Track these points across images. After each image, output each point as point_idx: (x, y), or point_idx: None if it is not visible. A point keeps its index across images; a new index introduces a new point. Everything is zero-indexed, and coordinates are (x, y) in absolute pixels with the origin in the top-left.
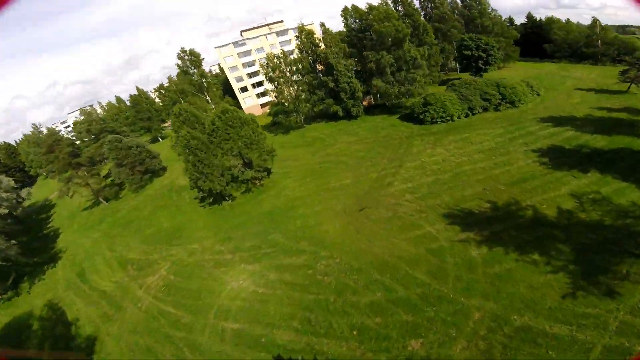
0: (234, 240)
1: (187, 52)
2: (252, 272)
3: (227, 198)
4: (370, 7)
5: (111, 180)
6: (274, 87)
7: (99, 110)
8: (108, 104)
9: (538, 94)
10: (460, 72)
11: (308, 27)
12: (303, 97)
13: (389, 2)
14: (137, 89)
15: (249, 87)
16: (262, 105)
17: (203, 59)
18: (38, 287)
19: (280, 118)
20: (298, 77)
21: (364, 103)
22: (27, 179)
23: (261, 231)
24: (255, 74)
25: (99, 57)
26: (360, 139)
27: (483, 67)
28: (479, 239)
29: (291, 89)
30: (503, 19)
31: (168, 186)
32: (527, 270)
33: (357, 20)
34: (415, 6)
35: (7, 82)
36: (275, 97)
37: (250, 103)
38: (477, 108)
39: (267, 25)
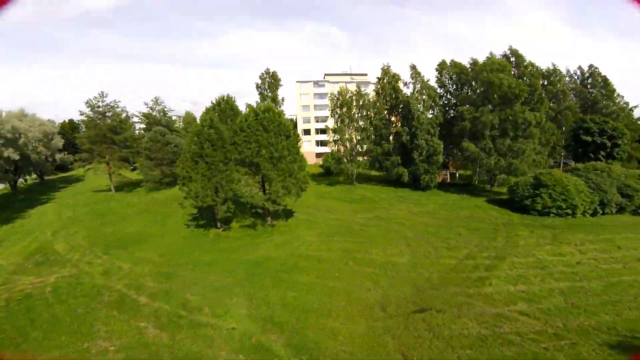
0: (176, 280)
1: (270, 74)
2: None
3: (218, 225)
4: (475, 63)
5: (137, 172)
6: (335, 124)
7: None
8: (186, 113)
9: None
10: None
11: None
12: (366, 146)
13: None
14: None
15: (312, 132)
16: (318, 155)
17: (282, 85)
18: None
19: (330, 162)
20: (367, 122)
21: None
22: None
23: (223, 286)
24: (323, 119)
25: (214, 84)
26: (428, 211)
27: (604, 160)
28: None
29: (354, 133)
30: (630, 107)
31: (177, 195)
32: None
33: (455, 76)
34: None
35: (131, 84)
36: (334, 140)
37: (307, 148)
38: (612, 205)
39: (350, 75)
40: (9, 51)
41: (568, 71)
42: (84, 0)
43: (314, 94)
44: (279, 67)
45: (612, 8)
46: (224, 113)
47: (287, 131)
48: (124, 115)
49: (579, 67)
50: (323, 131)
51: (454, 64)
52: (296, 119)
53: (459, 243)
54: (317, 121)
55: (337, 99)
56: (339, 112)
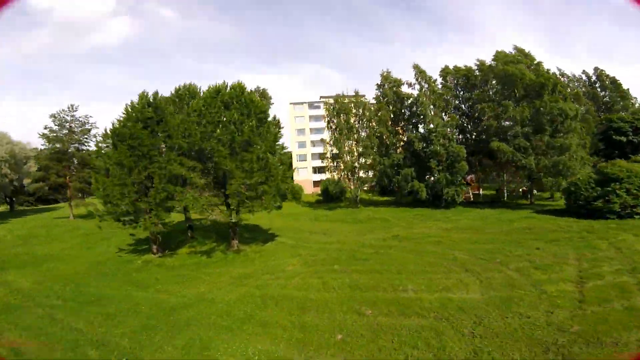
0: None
1: (260, 91)
2: None
3: (154, 249)
4: (482, 63)
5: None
6: (332, 136)
7: None
8: None
9: None
10: None
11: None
12: (370, 159)
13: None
14: None
15: (309, 157)
16: (315, 184)
17: (273, 103)
18: None
19: (327, 182)
20: (371, 131)
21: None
22: None
23: (71, 340)
24: (320, 143)
25: None
26: (467, 227)
27: None
28: None
29: (354, 144)
30: None
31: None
32: None
33: (461, 79)
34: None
35: None
36: (332, 157)
37: (304, 176)
38: None
39: (347, 96)
40: (17, 82)
41: (574, 75)
42: (92, 36)
43: (310, 116)
44: (278, 103)
45: (590, 34)
46: (182, 101)
47: (260, 111)
48: (93, 131)
49: (584, 71)
50: (322, 156)
51: (457, 69)
52: (291, 152)
53: (547, 259)
54: (314, 145)
55: (334, 107)
56: (335, 121)
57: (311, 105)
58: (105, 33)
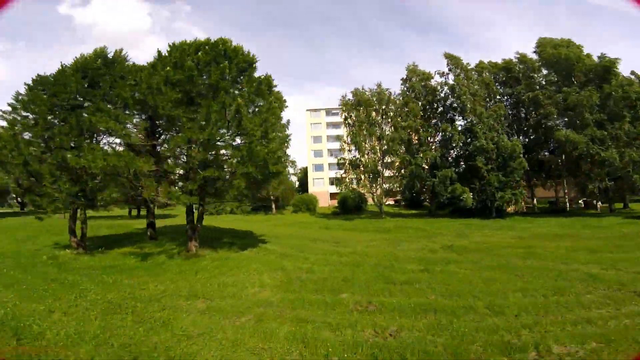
0: None
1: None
2: None
3: (72, 242)
4: (523, 56)
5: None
6: (349, 131)
7: None
8: None
9: None
10: None
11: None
12: (398, 156)
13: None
14: None
15: (325, 167)
16: (332, 196)
17: (287, 106)
18: None
19: (345, 190)
20: (398, 126)
21: (508, 209)
22: None
23: None
24: (338, 152)
25: None
26: (547, 235)
27: None
28: None
29: (376, 143)
30: None
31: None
32: None
33: (502, 71)
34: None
35: None
36: (350, 163)
37: (319, 187)
38: None
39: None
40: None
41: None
42: (128, 52)
43: (327, 123)
44: (294, 121)
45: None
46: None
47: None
48: None
49: (632, 72)
50: (341, 166)
51: (493, 64)
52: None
53: None
54: (331, 154)
55: (351, 101)
56: (354, 115)
57: (329, 112)
58: (140, 50)
